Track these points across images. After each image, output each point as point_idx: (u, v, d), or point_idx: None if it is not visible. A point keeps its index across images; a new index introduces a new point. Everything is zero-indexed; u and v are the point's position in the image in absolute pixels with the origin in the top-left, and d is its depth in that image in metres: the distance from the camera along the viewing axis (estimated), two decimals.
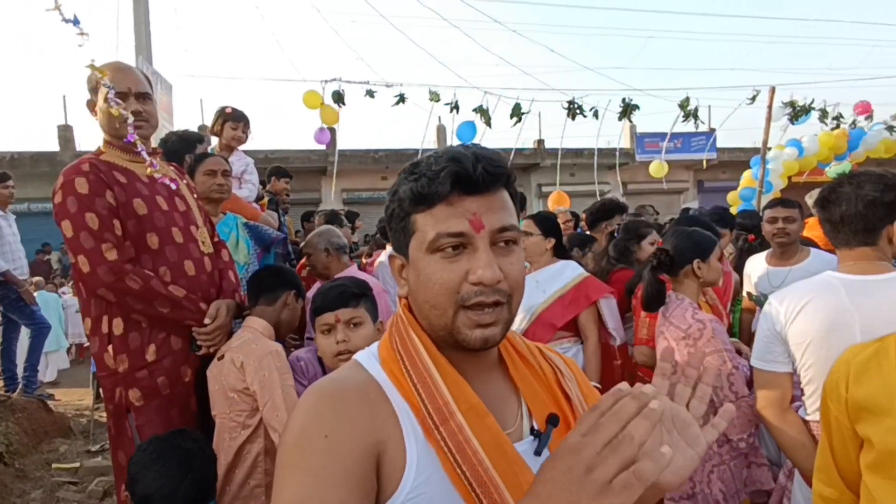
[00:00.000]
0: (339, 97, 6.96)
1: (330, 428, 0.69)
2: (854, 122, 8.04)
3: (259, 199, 3.94)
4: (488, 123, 7.11)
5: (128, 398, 1.85)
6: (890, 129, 7.99)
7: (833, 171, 8.30)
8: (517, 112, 7.12)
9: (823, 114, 7.79)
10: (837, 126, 7.87)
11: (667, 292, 2.29)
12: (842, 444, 1.23)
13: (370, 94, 7.01)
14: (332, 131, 8.20)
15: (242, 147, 3.81)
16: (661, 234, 3.04)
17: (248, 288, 2.20)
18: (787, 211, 2.95)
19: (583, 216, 6.18)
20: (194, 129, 5.60)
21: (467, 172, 0.71)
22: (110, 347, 1.85)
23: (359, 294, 1.71)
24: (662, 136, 14.81)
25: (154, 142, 2.97)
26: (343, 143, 8.17)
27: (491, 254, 0.72)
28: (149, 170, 1.98)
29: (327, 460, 0.67)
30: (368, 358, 0.80)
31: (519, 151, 12.48)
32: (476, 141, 7.14)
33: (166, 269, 1.92)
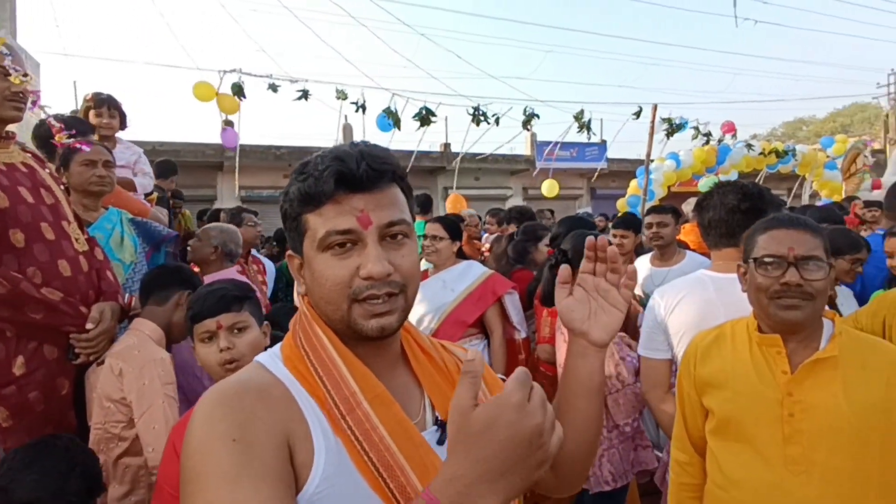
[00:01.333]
0: (238, 89, 6.57)
1: (237, 429, 0.67)
2: (721, 140, 9.05)
3: (148, 193, 3.64)
4: (397, 125, 7.09)
5: None
6: (749, 147, 9.13)
7: (703, 183, 9.33)
8: (424, 115, 7.17)
9: (697, 131, 8.69)
10: (708, 142, 8.83)
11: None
12: (692, 415, 1.45)
13: (273, 87, 6.69)
14: (231, 125, 7.74)
15: (123, 135, 3.51)
16: (551, 238, 3.23)
17: (140, 287, 2.03)
18: (660, 217, 3.34)
19: (486, 219, 6.47)
20: (67, 113, 5.03)
21: (350, 171, 0.73)
22: None
23: (241, 297, 1.55)
24: (559, 144, 15.74)
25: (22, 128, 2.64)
26: (243, 139, 7.72)
27: (380, 248, 0.74)
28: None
29: (242, 460, 0.64)
30: (271, 358, 0.80)
31: (425, 154, 12.60)
32: (385, 142, 7.12)
33: (36, 270, 1.71)
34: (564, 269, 0.87)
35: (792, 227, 1.29)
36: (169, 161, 4.74)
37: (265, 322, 1.64)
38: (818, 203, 8.34)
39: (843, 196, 8.05)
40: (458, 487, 0.55)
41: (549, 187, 9.91)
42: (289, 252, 0.83)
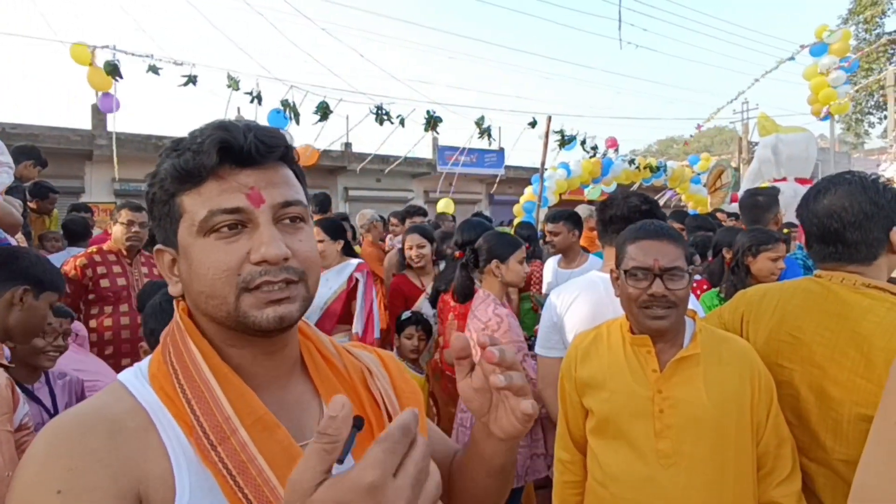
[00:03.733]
0: (113, 69, 5.88)
1: (65, 479, 0.56)
2: (605, 153, 9.80)
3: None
4: (296, 119, 6.76)
5: None
6: (630, 161, 9.98)
7: (589, 192, 10.03)
8: (323, 109, 6.91)
9: (584, 144, 9.31)
10: (594, 155, 9.50)
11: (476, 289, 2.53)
12: (573, 415, 1.51)
13: (154, 70, 6.08)
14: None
15: None
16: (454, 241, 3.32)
17: None
18: (552, 226, 3.58)
19: (393, 220, 6.42)
20: None
21: (237, 141, 0.64)
22: None
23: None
24: (461, 150, 16.07)
25: None
26: (118, 126, 6.91)
27: (275, 230, 0.65)
28: None
29: None
30: (135, 377, 0.68)
31: (325, 153, 12.24)
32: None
33: None
34: (458, 340, 0.69)
35: (657, 238, 1.37)
36: (30, 146, 4.09)
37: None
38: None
39: (710, 208, 9.05)
40: None
41: (445, 205, 10.12)
42: (158, 247, 0.70)
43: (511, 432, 0.69)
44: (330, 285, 2.92)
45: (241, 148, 0.64)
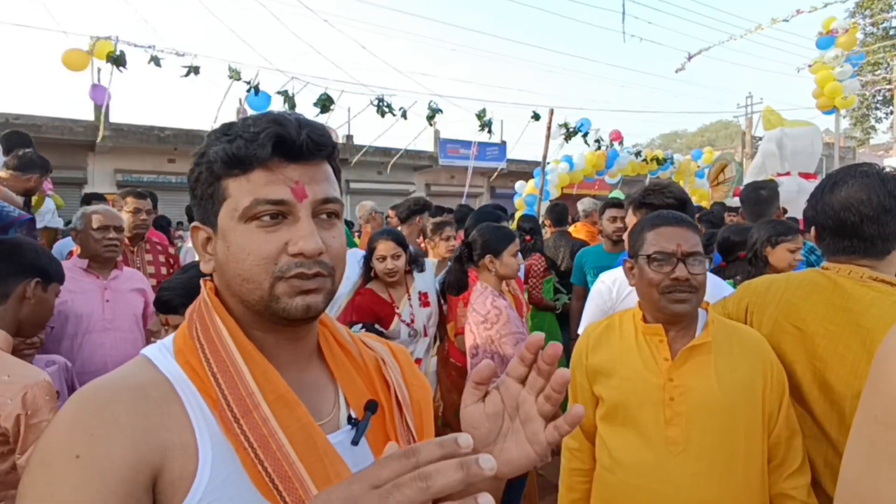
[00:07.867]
0: (117, 60, 5.85)
1: (85, 443, 0.58)
2: (609, 146, 9.74)
3: None
4: (292, 109, 6.72)
5: None
6: (637, 154, 9.94)
7: (612, 195, 10.01)
8: (323, 102, 6.86)
9: (586, 136, 9.25)
10: (599, 148, 9.44)
11: (473, 281, 2.53)
12: (583, 404, 1.51)
13: (155, 60, 6.03)
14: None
15: None
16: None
17: None
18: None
19: (390, 213, 6.42)
20: None
21: (291, 137, 0.66)
22: None
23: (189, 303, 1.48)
24: (463, 143, 16.00)
25: None
26: (120, 117, 6.85)
27: (313, 224, 0.68)
28: None
29: (79, 483, 0.56)
30: (160, 351, 0.70)
31: None
32: None
33: None
34: (486, 367, 0.63)
35: (677, 224, 1.38)
36: (18, 133, 4.03)
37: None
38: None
39: (711, 202, 9.00)
40: None
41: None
42: (194, 224, 0.73)
43: (519, 465, 0.61)
44: (348, 275, 2.82)
45: (293, 143, 0.67)
